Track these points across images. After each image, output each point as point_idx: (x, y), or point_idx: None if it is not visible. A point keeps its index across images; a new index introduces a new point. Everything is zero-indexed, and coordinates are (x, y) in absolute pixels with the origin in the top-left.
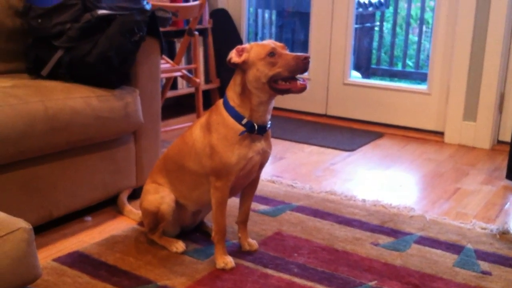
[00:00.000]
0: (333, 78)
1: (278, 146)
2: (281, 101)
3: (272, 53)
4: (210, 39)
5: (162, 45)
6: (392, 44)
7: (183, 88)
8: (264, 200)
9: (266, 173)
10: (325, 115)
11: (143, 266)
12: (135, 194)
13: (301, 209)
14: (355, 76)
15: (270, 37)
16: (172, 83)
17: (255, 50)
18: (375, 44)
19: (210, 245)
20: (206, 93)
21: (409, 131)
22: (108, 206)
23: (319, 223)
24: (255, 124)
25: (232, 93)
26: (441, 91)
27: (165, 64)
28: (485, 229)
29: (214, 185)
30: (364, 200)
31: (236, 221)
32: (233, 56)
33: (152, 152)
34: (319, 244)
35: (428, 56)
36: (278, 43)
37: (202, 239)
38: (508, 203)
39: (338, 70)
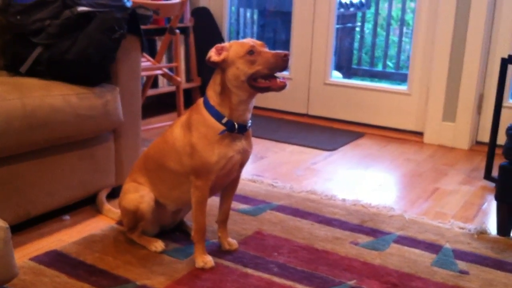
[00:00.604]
0: (314, 78)
1: (259, 146)
2: (262, 100)
3: (251, 51)
4: (191, 37)
5: (143, 43)
6: (373, 45)
7: (164, 87)
8: (245, 199)
9: (247, 172)
10: (306, 115)
11: (122, 266)
12: (114, 193)
13: (281, 209)
14: (336, 76)
15: (252, 36)
16: (153, 82)
17: (234, 48)
18: (356, 44)
19: (190, 245)
20: (187, 91)
21: (389, 131)
22: (87, 205)
23: (299, 223)
24: (235, 123)
25: (212, 92)
26: (421, 91)
27: (145, 62)
28: (463, 228)
29: (194, 184)
30: (344, 200)
31: (216, 220)
32: (213, 54)
33: (132, 150)
34: (299, 243)
35: (408, 57)
36: (257, 41)
37: (182, 239)
38: (486, 203)
39: (319, 70)
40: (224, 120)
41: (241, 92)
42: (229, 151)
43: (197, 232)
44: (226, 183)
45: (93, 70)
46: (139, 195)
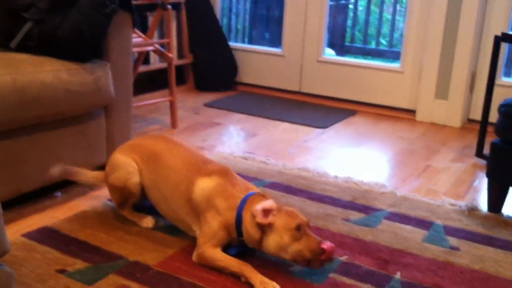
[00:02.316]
0: (307, 55)
1: (251, 123)
2: (254, 77)
3: (299, 228)
4: (183, 13)
5: (134, 18)
6: (366, 22)
7: (155, 63)
8: None
9: (239, 149)
10: (298, 92)
11: (115, 242)
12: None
13: (273, 186)
14: (329, 53)
15: (245, 13)
16: (145, 58)
17: (284, 218)
18: (349, 22)
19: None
20: (179, 68)
21: (381, 109)
22: None
23: (291, 200)
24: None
25: (249, 224)
26: (414, 69)
27: (137, 38)
28: (454, 205)
29: (198, 245)
30: (336, 177)
31: None
32: (259, 216)
33: (123, 127)
34: None
35: (401, 35)
36: (303, 218)
37: None
38: (477, 181)
39: (312, 47)
40: (242, 238)
41: (273, 255)
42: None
43: (240, 273)
44: None
45: (85, 46)
46: (126, 171)
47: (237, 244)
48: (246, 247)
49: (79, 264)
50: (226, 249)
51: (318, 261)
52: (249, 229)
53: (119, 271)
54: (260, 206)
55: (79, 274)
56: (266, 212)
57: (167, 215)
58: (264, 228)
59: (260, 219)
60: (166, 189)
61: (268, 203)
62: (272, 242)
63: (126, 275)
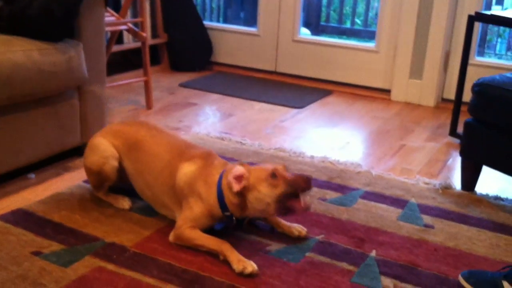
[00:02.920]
0: (282, 35)
1: (227, 103)
2: (230, 57)
3: (274, 174)
4: None
5: None
6: (341, 2)
7: (129, 43)
8: None
9: (215, 129)
10: (274, 72)
11: (90, 224)
12: (80, 151)
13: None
14: (305, 33)
15: None
16: (118, 38)
17: (254, 173)
18: (324, 1)
19: None
20: (153, 48)
21: (357, 89)
22: (52, 163)
23: None
24: (234, 219)
25: (229, 194)
26: (389, 49)
27: (110, 17)
28: (428, 184)
29: (178, 223)
30: (312, 157)
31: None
32: (234, 185)
33: (97, 108)
34: None
35: (376, 14)
36: (278, 166)
37: None
38: (451, 159)
39: (287, 27)
40: (227, 213)
41: (260, 214)
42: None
43: (218, 251)
44: None
45: (56, 26)
46: (103, 156)
47: (225, 220)
48: (231, 223)
49: (54, 246)
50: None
51: (304, 188)
52: (232, 200)
53: (95, 253)
54: (230, 176)
55: (55, 256)
56: (239, 178)
57: (152, 202)
58: (244, 193)
59: (235, 187)
60: (150, 175)
61: (238, 170)
62: (253, 201)
63: (102, 256)
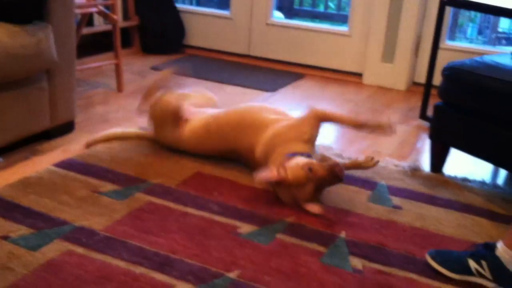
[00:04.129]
0: (256, 18)
1: (199, 87)
2: (202, 40)
3: (310, 169)
4: None
5: None
6: None
7: (100, 25)
8: None
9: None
10: (247, 56)
11: (59, 207)
12: (50, 135)
13: None
14: (278, 16)
15: None
16: (88, 20)
17: (292, 172)
18: None
19: (129, 186)
20: (124, 30)
21: (329, 72)
22: (21, 147)
23: (239, 163)
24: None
25: None
26: (362, 33)
27: None
28: (397, 166)
29: None
30: None
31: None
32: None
33: (66, 91)
34: (240, 183)
35: None
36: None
37: (120, 179)
38: (420, 142)
39: (261, 10)
40: None
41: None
42: None
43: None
44: None
45: (25, 8)
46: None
47: None
48: None
49: (23, 230)
50: None
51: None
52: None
53: (65, 237)
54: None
55: (23, 240)
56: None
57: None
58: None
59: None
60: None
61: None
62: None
63: (72, 240)
